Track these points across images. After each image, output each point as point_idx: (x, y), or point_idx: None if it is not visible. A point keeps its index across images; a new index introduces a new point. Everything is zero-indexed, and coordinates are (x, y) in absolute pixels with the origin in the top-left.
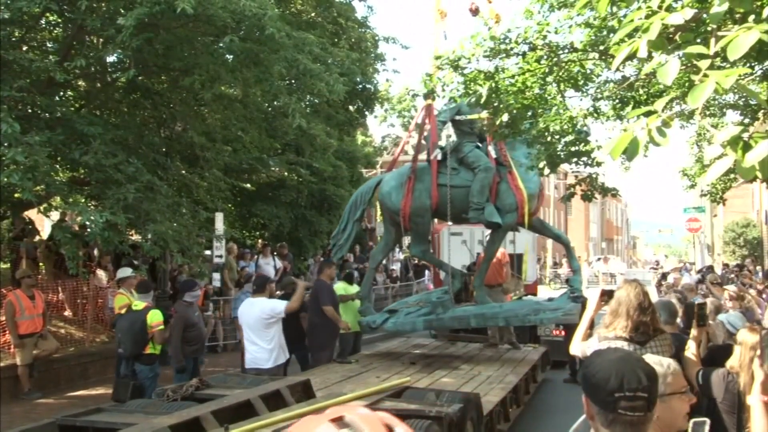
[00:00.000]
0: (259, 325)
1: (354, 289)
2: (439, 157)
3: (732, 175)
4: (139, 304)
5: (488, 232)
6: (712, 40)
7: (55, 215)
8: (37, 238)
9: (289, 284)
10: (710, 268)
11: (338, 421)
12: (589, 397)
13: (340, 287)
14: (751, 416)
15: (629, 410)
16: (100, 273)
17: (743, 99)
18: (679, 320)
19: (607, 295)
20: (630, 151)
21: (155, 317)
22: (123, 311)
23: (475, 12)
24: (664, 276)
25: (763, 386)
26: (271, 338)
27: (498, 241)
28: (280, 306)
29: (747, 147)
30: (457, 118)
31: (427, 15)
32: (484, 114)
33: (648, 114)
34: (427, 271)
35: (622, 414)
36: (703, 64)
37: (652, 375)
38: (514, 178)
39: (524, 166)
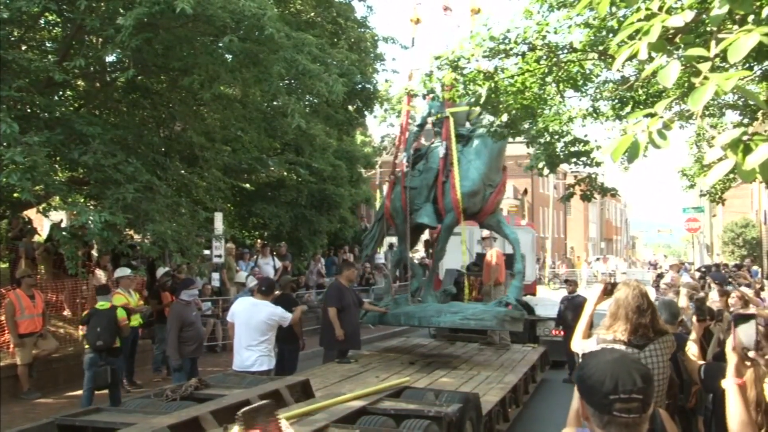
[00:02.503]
0: (263, 327)
1: None
2: (405, 161)
3: (731, 176)
4: (105, 304)
5: (486, 232)
6: (713, 43)
7: (55, 215)
8: (36, 238)
9: (287, 283)
10: (709, 268)
11: None
12: (585, 399)
13: None
14: (726, 400)
15: (624, 412)
16: (99, 273)
17: (742, 99)
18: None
19: (610, 286)
20: (631, 154)
21: (122, 313)
22: (86, 312)
23: (445, 10)
24: (660, 276)
25: (736, 369)
26: (268, 342)
27: (441, 241)
28: (287, 316)
29: (747, 149)
30: (429, 119)
31: (425, 16)
32: (451, 111)
33: (648, 116)
34: (426, 272)
35: (618, 416)
36: (704, 66)
37: (647, 376)
38: (454, 177)
39: (472, 161)
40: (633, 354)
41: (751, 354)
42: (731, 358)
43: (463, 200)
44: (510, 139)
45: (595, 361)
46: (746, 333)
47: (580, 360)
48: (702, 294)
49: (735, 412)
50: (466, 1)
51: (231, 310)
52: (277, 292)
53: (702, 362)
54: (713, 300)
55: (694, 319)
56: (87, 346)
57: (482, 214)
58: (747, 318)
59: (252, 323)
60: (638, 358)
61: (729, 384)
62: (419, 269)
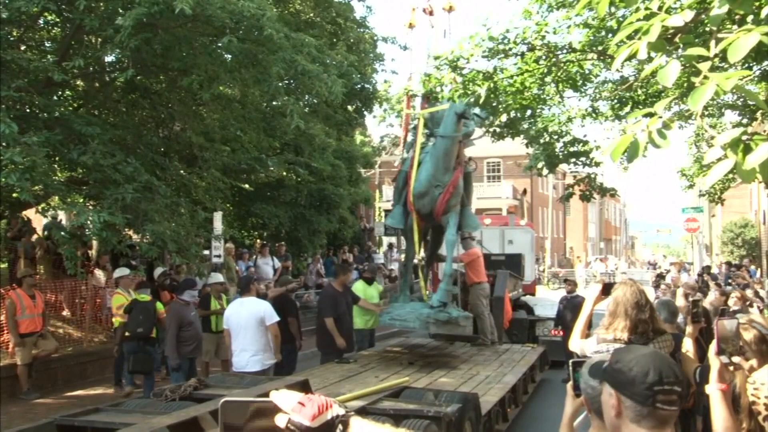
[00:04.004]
0: (252, 324)
1: (373, 289)
2: (402, 163)
3: (731, 175)
4: (145, 297)
5: (486, 231)
6: (712, 43)
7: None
8: (35, 237)
9: (285, 282)
10: (709, 268)
11: None
12: (623, 391)
13: (359, 288)
14: (711, 405)
15: (666, 404)
16: (99, 273)
17: (741, 99)
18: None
19: (608, 287)
20: (630, 154)
21: (160, 307)
22: (126, 302)
23: (430, 13)
24: (660, 276)
25: (719, 375)
26: (260, 340)
27: (407, 242)
28: (273, 315)
29: (747, 149)
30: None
31: (422, 17)
32: (422, 112)
33: (648, 116)
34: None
35: (660, 408)
36: (704, 66)
37: (681, 371)
38: (411, 178)
39: (426, 163)
40: None
41: (736, 359)
42: (714, 364)
43: (414, 201)
44: (510, 139)
45: (632, 354)
46: (729, 324)
47: (589, 358)
48: (699, 295)
49: (719, 417)
50: (448, 2)
51: (225, 315)
52: (278, 290)
53: (697, 364)
54: (710, 300)
55: (689, 319)
56: (127, 334)
57: (435, 214)
58: (730, 317)
59: (241, 323)
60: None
61: (712, 390)
62: (408, 267)
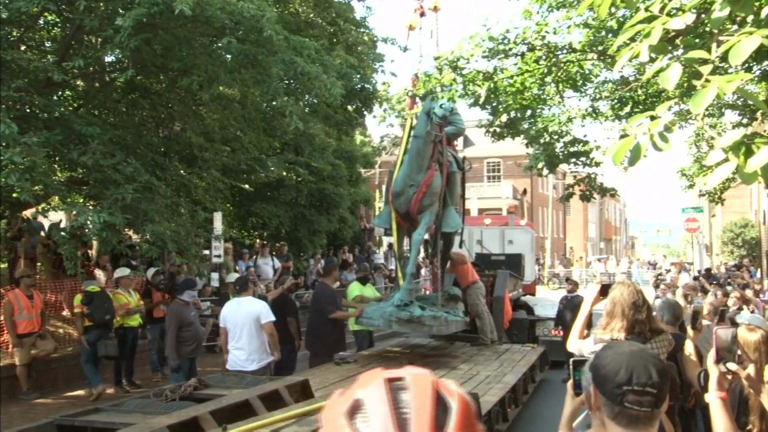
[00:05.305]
0: (249, 323)
1: (368, 290)
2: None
3: (731, 176)
4: (95, 287)
5: (486, 231)
6: (713, 46)
7: (53, 215)
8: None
9: (284, 282)
10: (709, 270)
11: (394, 381)
12: (597, 388)
13: (355, 289)
14: (711, 414)
15: (636, 405)
16: (99, 273)
17: (741, 99)
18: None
19: (606, 288)
20: (632, 157)
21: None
22: (83, 293)
23: (422, 14)
24: (660, 276)
25: (718, 383)
26: (257, 339)
27: (395, 242)
28: (270, 315)
29: (749, 152)
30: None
31: (422, 18)
32: (411, 113)
33: (650, 118)
34: (423, 270)
35: (629, 408)
36: (705, 69)
37: (664, 372)
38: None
39: (404, 162)
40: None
41: (732, 366)
42: (713, 372)
43: (393, 201)
44: (510, 139)
45: (612, 351)
46: (725, 333)
47: (588, 356)
48: (699, 302)
49: (720, 424)
50: (434, 2)
51: (221, 315)
52: (278, 290)
53: (700, 368)
54: (710, 301)
55: (689, 327)
56: (88, 323)
57: (410, 213)
58: (727, 327)
59: (239, 322)
60: (657, 353)
61: (712, 398)
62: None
